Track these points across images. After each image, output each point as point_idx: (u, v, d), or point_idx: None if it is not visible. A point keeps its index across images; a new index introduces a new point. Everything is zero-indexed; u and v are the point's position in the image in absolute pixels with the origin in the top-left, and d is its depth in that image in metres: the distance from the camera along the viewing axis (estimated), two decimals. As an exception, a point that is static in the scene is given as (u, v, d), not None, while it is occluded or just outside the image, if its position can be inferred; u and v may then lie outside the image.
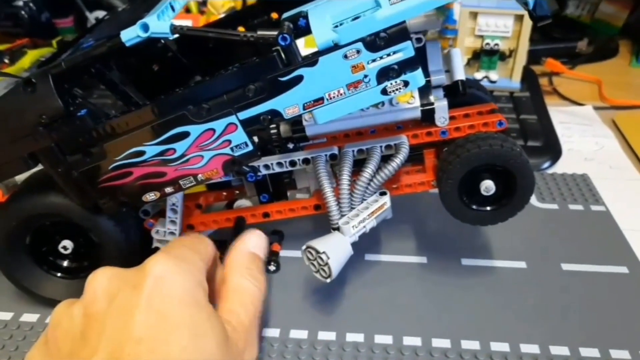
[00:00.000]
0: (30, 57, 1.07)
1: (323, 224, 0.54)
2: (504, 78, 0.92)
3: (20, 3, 1.15)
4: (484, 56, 0.91)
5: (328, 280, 0.50)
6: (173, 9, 0.48)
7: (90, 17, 1.19)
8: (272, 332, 0.54)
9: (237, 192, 0.62)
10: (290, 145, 0.56)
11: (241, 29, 0.61)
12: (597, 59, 1.17)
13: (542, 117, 0.91)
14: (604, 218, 0.71)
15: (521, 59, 0.89)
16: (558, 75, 1.09)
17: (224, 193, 0.63)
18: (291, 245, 0.62)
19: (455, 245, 0.66)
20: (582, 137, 0.90)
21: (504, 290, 0.60)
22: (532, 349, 0.53)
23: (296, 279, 0.61)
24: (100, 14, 1.20)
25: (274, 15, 0.60)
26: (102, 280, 0.33)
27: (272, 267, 0.54)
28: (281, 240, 0.60)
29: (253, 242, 0.42)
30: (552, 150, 0.84)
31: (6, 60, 1.05)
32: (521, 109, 0.92)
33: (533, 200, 0.73)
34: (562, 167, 0.82)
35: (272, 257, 0.54)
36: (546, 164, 0.82)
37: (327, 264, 0.48)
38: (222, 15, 1.07)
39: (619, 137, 0.91)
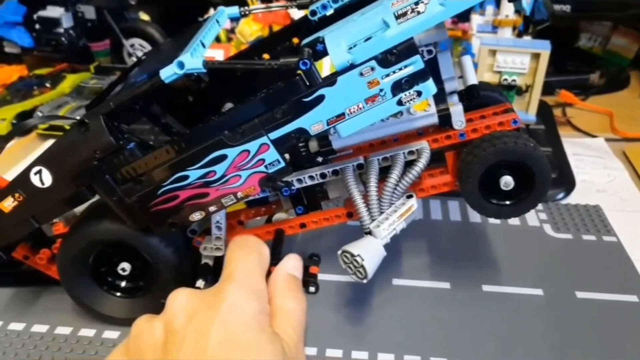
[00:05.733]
0: (70, 81, 1.15)
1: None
2: (521, 111, 0.97)
3: (61, 30, 1.24)
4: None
5: (364, 281, 0.53)
6: (204, 45, 0.53)
7: (126, 44, 1.26)
8: (310, 351, 0.59)
9: (274, 206, 0.67)
10: (319, 159, 0.60)
11: (266, 56, 0.66)
12: (608, 90, 1.21)
13: (557, 150, 0.95)
14: (615, 249, 0.75)
15: (537, 93, 0.94)
16: (571, 106, 1.13)
17: (263, 209, 0.68)
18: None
19: (477, 272, 0.70)
20: (595, 169, 0.94)
21: (523, 316, 0.64)
22: None
23: (330, 300, 0.66)
24: (136, 41, 1.27)
25: (295, 40, 0.64)
26: (182, 299, 0.37)
27: (312, 289, 0.57)
28: (318, 263, 0.63)
29: (290, 265, 0.46)
30: (566, 181, 0.88)
31: (47, 85, 1.13)
32: (537, 142, 0.95)
33: (548, 230, 0.78)
34: (575, 198, 0.86)
35: (311, 279, 0.57)
36: (560, 195, 0.86)
37: (362, 265, 0.52)
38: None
39: (629, 169, 0.94)
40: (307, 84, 0.47)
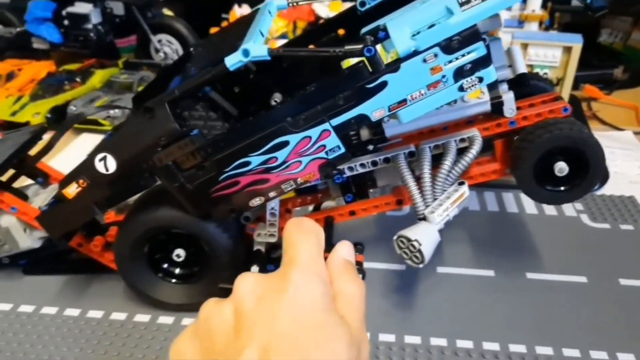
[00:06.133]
0: (99, 76, 1.16)
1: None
2: (552, 104, 0.98)
3: (90, 26, 1.25)
4: (533, 84, 0.97)
5: (421, 266, 0.54)
6: (262, 35, 0.54)
7: (153, 40, 1.28)
8: None
9: (321, 195, 0.68)
10: (370, 147, 0.61)
11: (312, 46, 0.67)
12: (631, 85, 1.22)
13: (589, 142, 0.96)
14: None
15: (568, 86, 0.95)
16: (596, 100, 1.14)
17: (309, 197, 0.69)
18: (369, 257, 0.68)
19: (519, 260, 0.71)
20: (626, 161, 0.96)
21: (569, 302, 0.65)
22: (601, 355, 0.58)
23: (376, 287, 0.67)
24: (163, 37, 1.29)
25: (340, 32, 0.65)
26: (250, 283, 0.37)
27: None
28: (362, 251, 0.65)
29: (344, 251, 0.45)
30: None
31: (78, 80, 1.15)
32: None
33: (586, 219, 0.80)
34: (609, 189, 0.87)
35: (357, 266, 0.59)
36: (595, 187, 0.85)
37: (419, 250, 0.53)
38: (278, 40, 1.14)
39: (659, 161, 0.96)
40: (371, 70, 0.48)
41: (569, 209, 0.82)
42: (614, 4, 1.21)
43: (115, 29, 1.29)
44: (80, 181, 0.54)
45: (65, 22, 1.24)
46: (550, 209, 0.82)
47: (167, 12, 1.42)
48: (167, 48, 1.29)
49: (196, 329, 0.38)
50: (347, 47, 0.48)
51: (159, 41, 1.28)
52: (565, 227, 0.78)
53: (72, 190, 0.54)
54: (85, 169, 0.54)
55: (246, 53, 0.49)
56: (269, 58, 0.50)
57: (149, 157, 0.52)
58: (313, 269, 0.39)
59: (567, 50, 0.93)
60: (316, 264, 0.40)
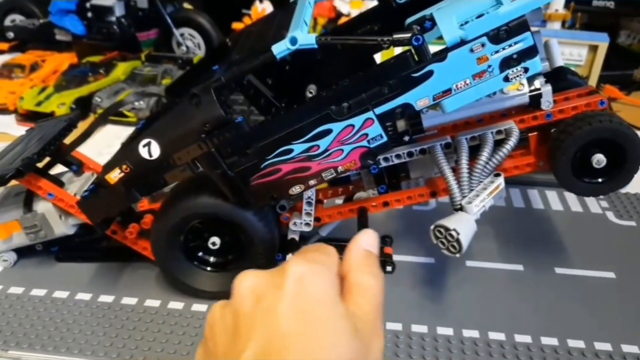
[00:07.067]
0: (122, 68, 1.18)
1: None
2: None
3: (113, 18, 1.26)
4: (559, 81, 0.97)
5: (458, 255, 0.54)
6: (306, 24, 0.55)
7: (176, 34, 1.28)
8: (395, 326, 0.61)
9: (352, 187, 0.68)
10: (406, 138, 0.61)
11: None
12: None
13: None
14: None
15: (593, 84, 0.95)
16: (615, 100, 1.15)
17: (340, 189, 0.69)
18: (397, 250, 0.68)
19: (547, 255, 0.72)
20: None
21: (598, 296, 0.65)
22: (632, 349, 0.58)
23: (406, 279, 0.68)
24: (186, 30, 1.29)
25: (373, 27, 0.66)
26: (248, 282, 0.36)
27: (389, 268, 0.60)
28: (391, 244, 0.65)
29: (366, 241, 0.44)
30: None
31: (101, 71, 1.16)
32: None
33: (611, 216, 0.81)
34: (633, 187, 0.87)
35: (387, 259, 0.60)
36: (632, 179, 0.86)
37: (457, 239, 0.53)
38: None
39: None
40: (417, 59, 0.49)
41: (594, 205, 0.82)
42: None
43: (137, 22, 1.30)
44: (124, 167, 0.54)
45: (89, 14, 1.25)
46: (575, 206, 0.82)
47: (187, 6, 1.43)
48: (189, 42, 1.29)
49: (205, 334, 0.38)
50: (396, 36, 0.48)
51: (182, 35, 1.29)
52: (591, 223, 0.79)
53: (114, 175, 0.55)
54: (129, 154, 0.54)
55: (294, 41, 0.50)
56: (316, 46, 0.50)
57: (193, 144, 0.52)
58: (313, 260, 0.38)
59: (593, 49, 0.93)
60: (317, 255, 0.39)
